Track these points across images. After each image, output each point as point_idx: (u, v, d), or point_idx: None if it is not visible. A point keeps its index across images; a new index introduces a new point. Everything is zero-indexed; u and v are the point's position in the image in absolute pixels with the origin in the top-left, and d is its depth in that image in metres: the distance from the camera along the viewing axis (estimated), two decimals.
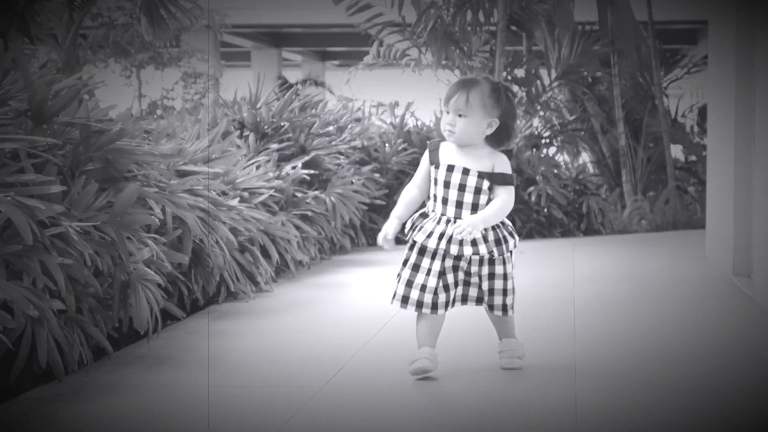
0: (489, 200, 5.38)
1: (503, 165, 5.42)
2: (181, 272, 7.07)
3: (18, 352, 4.99)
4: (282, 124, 10.30)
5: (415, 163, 12.27)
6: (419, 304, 5.37)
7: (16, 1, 8.11)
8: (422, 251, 5.40)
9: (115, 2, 20.71)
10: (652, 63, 16.13)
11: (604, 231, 13.97)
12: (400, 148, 12.34)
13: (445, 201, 5.40)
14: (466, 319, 6.09)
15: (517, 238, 5.47)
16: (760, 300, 7.61)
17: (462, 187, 5.37)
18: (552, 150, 15.85)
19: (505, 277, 5.44)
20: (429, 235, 5.33)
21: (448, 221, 5.35)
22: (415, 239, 5.39)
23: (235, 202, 7.91)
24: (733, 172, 8.87)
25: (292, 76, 34.99)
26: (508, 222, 5.47)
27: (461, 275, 5.42)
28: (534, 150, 14.47)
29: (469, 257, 5.36)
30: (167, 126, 8.93)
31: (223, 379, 5.56)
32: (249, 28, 30.43)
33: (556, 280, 8.98)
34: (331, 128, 11.25)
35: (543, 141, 15.55)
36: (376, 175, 11.72)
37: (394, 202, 12.12)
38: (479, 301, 5.51)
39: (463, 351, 6.01)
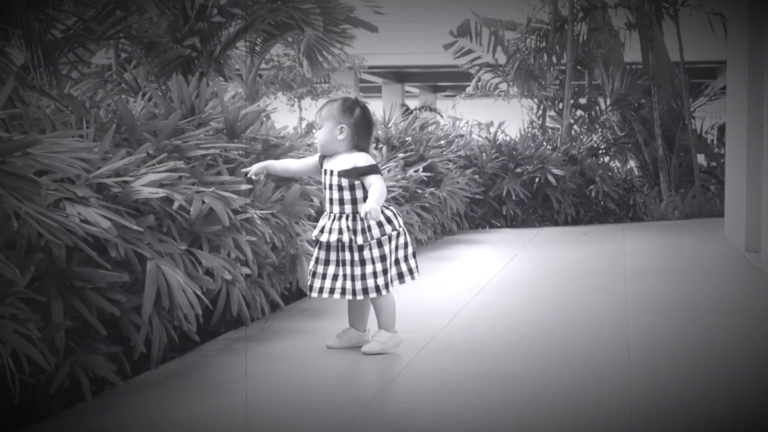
0: (352, 195, 4.77)
1: (363, 160, 4.79)
2: None
3: (216, 305, 5.09)
4: (406, 138, 10.31)
5: (505, 168, 12.27)
6: (309, 288, 4.91)
7: (213, 50, 8.24)
8: (316, 244, 4.93)
9: (282, 50, 20.93)
10: (683, 93, 15.85)
11: (647, 218, 13.81)
12: (493, 156, 12.26)
13: (325, 199, 4.88)
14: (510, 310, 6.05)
15: (395, 222, 4.85)
16: (767, 271, 7.52)
17: (330, 186, 4.82)
18: (607, 158, 15.70)
19: (372, 261, 4.79)
20: (319, 230, 4.88)
21: (329, 216, 4.84)
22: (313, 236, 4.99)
23: None
24: (745, 173, 8.74)
25: (412, 103, 34.96)
26: (386, 210, 4.84)
27: (334, 268, 4.85)
28: (593, 158, 14.35)
29: (336, 245, 4.82)
30: None
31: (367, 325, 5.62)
32: (380, 69, 30.50)
33: (610, 255, 8.89)
34: (442, 142, 11.23)
35: (600, 151, 15.42)
36: (476, 176, 11.68)
37: (490, 197, 12.12)
38: (347, 292, 4.83)
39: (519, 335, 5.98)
